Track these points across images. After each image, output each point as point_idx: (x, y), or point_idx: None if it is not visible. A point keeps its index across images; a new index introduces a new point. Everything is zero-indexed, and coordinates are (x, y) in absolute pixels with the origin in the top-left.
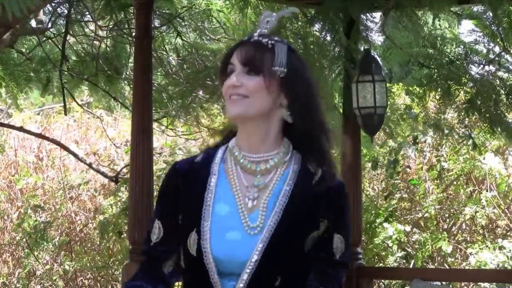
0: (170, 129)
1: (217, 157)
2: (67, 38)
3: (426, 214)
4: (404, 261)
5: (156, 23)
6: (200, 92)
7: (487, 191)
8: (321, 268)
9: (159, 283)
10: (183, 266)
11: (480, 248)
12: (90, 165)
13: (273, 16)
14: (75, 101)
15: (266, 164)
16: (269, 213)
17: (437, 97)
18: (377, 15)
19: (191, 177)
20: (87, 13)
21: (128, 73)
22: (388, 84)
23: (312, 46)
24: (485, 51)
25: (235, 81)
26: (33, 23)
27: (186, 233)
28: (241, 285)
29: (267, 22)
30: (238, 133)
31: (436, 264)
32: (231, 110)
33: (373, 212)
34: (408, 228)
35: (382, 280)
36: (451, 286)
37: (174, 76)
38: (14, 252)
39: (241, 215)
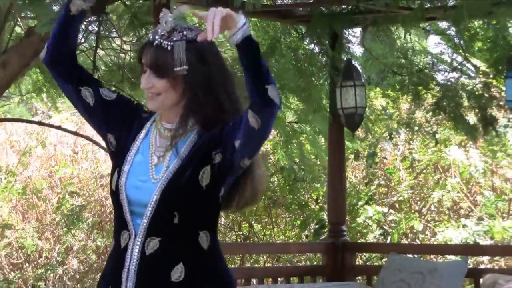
0: None
1: (151, 119)
2: (97, 51)
3: (401, 198)
4: (382, 237)
5: None
6: None
7: (451, 178)
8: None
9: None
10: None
11: (446, 227)
12: None
13: (170, 17)
14: None
15: (173, 131)
16: (171, 160)
17: (409, 99)
18: (357, 30)
19: (137, 123)
20: (114, 30)
21: None
22: (367, 89)
23: (302, 57)
24: (449, 60)
25: (144, 85)
26: None
27: (113, 168)
28: (145, 221)
29: (166, 23)
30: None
31: (409, 240)
32: (149, 105)
33: (355, 196)
34: (385, 210)
35: (364, 254)
36: (422, 258)
37: None
38: (55, 231)
39: (150, 167)
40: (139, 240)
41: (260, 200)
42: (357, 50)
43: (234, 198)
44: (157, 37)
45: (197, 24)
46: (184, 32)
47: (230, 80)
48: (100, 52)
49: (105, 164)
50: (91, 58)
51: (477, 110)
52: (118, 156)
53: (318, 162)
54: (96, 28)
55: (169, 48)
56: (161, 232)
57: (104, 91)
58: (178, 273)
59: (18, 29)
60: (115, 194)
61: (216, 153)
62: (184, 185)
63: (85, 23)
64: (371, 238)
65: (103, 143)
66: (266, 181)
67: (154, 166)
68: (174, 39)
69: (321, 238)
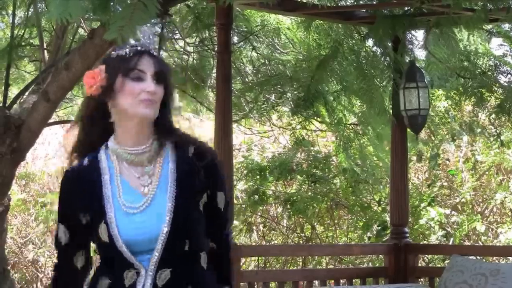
0: (247, 128)
1: (102, 156)
2: (161, 53)
3: (463, 199)
4: (445, 239)
5: (235, 39)
6: (272, 96)
7: None
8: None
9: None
10: (100, 254)
11: (509, 228)
12: None
13: (151, 32)
14: None
15: (148, 153)
16: (164, 192)
17: (472, 102)
18: (420, 32)
19: (84, 179)
20: (177, 32)
21: (211, 82)
22: (430, 91)
23: (364, 59)
24: None
25: (154, 89)
26: (131, 40)
27: (95, 227)
28: (156, 255)
29: (150, 38)
30: (119, 134)
31: (471, 241)
32: (147, 112)
33: (418, 198)
34: (447, 211)
35: (426, 255)
36: (484, 260)
37: (250, 83)
38: None
39: (141, 201)
40: (150, 274)
41: None
42: (419, 53)
43: None
44: (151, 46)
45: (259, 26)
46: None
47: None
48: (164, 53)
49: None
50: None
51: None
52: (96, 213)
53: (380, 164)
54: (159, 30)
55: (162, 58)
56: (172, 262)
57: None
58: None
59: (81, 31)
60: (110, 246)
61: (205, 190)
62: (191, 211)
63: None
64: (433, 239)
65: None
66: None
67: (145, 197)
68: (156, 52)
69: (383, 239)
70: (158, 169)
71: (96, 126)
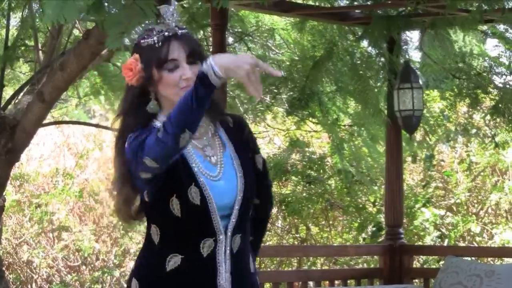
0: None
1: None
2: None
3: (458, 200)
4: (439, 240)
5: (230, 40)
6: (267, 97)
7: (509, 180)
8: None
9: None
10: (170, 228)
11: (503, 229)
12: None
13: (173, 8)
14: None
15: (202, 128)
16: (229, 160)
17: (467, 103)
18: (415, 33)
19: None
20: None
21: None
22: (425, 92)
23: (359, 60)
24: (507, 63)
25: (192, 75)
26: (126, 41)
27: (182, 186)
28: (233, 220)
29: (173, 15)
30: (166, 111)
31: (466, 242)
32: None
33: (413, 198)
34: (442, 212)
35: (421, 256)
36: (479, 261)
37: None
38: (112, 234)
39: (215, 170)
40: (228, 242)
41: None
42: (414, 54)
43: None
44: (177, 28)
45: (254, 26)
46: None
47: None
48: None
49: None
50: None
51: None
52: (181, 174)
53: (375, 165)
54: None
55: (190, 34)
56: (242, 228)
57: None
58: (252, 265)
59: (76, 32)
60: (199, 209)
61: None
62: (253, 176)
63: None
64: (428, 240)
65: None
66: None
67: (214, 166)
68: (184, 26)
69: (378, 240)
70: (217, 140)
71: (142, 111)
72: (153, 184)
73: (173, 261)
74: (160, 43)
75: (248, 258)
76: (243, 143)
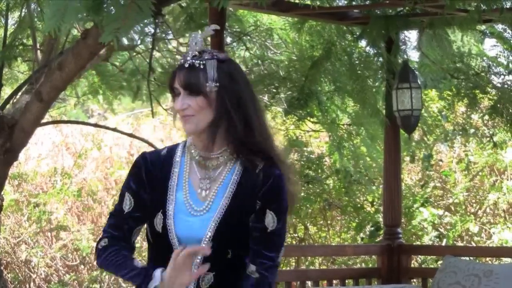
0: None
1: (178, 151)
2: (154, 53)
3: (456, 200)
4: (438, 239)
5: (228, 40)
6: (265, 97)
7: (507, 180)
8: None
9: (130, 249)
10: (149, 248)
11: (502, 229)
12: None
13: (199, 37)
14: (160, 106)
15: (217, 160)
16: (220, 199)
17: (465, 103)
18: (413, 33)
19: (157, 166)
20: (170, 32)
21: None
22: (423, 91)
23: (357, 60)
24: (505, 63)
25: (180, 106)
26: (124, 40)
27: (153, 213)
28: (199, 258)
29: (196, 44)
30: (194, 136)
31: (464, 242)
32: (185, 128)
33: (411, 198)
34: (440, 212)
35: (419, 256)
36: (477, 261)
37: None
38: None
39: (197, 202)
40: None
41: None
42: (412, 54)
43: None
44: (188, 58)
45: (252, 26)
46: (214, 52)
47: (257, 99)
48: (156, 54)
49: None
50: (147, 60)
51: None
52: (157, 200)
53: (374, 165)
54: (152, 30)
55: (201, 66)
56: (215, 267)
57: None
58: None
59: (74, 31)
60: (161, 236)
61: (258, 203)
62: (236, 224)
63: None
64: (426, 240)
65: (158, 145)
66: (298, 196)
67: (201, 200)
68: (206, 57)
69: (376, 240)
70: (222, 178)
71: None
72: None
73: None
74: (176, 69)
75: None
76: (252, 193)
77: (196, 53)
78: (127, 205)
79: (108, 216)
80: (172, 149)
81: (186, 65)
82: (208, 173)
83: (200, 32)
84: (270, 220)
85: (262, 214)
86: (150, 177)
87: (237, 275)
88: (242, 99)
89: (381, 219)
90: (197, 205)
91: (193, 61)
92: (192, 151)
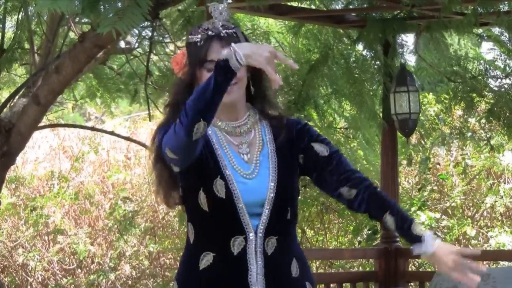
0: None
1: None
2: (151, 57)
3: (453, 203)
4: None
5: None
6: None
7: (505, 183)
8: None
9: None
10: (198, 222)
11: (499, 232)
12: None
13: (221, 7)
14: (158, 109)
15: (245, 126)
16: (265, 159)
17: (462, 107)
18: (410, 36)
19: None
20: (167, 35)
21: None
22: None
23: (355, 64)
24: (502, 66)
25: None
26: (122, 44)
27: (209, 179)
28: (264, 220)
29: (221, 14)
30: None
31: (462, 246)
32: (231, 97)
33: (408, 202)
34: (438, 215)
35: (417, 259)
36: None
37: None
38: (107, 237)
39: (244, 166)
40: (260, 241)
41: None
42: (409, 57)
43: None
44: (221, 29)
45: (250, 30)
46: (231, 21)
47: None
48: (154, 57)
49: None
50: (145, 63)
51: None
52: (211, 166)
53: (371, 168)
54: (150, 34)
55: (235, 35)
56: (277, 230)
57: None
58: (295, 268)
59: (71, 35)
60: (225, 202)
61: (298, 154)
62: (291, 180)
63: (139, 28)
64: None
65: None
66: None
67: (246, 163)
68: (232, 26)
69: (373, 244)
70: (258, 139)
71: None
72: (184, 177)
73: (206, 260)
74: (202, 41)
75: (290, 262)
76: (289, 143)
77: (225, 23)
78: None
79: (159, 132)
80: None
81: (225, 35)
82: (242, 139)
83: (217, 2)
84: (319, 148)
85: (308, 152)
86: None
87: (292, 238)
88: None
89: (378, 223)
90: (245, 168)
91: (227, 31)
92: (219, 123)
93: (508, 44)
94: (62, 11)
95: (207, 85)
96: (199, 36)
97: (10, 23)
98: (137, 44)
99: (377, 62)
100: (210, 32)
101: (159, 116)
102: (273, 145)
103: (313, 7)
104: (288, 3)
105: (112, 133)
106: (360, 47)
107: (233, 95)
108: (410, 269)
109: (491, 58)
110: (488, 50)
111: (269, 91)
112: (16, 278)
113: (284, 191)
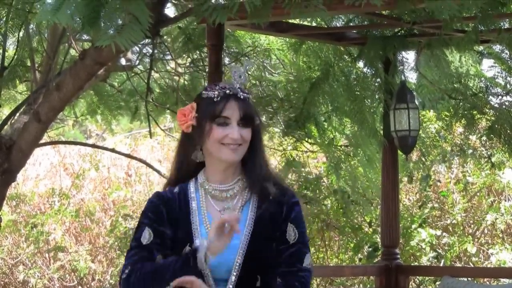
0: None
1: (191, 187)
2: (152, 74)
3: (454, 221)
4: (436, 260)
5: (226, 60)
6: (263, 117)
7: (505, 201)
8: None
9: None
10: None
11: (500, 249)
12: None
13: (242, 70)
14: (158, 126)
15: (232, 190)
16: (242, 227)
17: (463, 124)
18: (411, 53)
19: (175, 203)
20: (168, 52)
21: None
22: (421, 112)
23: (355, 81)
24: (503, 83)
25: (238, 136)
26: (122, 61)
27: (181, 248)
28: (230, 286)
29: (241, 77)
30: (208, 170)
31: (462, 263)
32: (231, 157)
33: (409, 219)
34: (438, 233)
35: (417, 277)
36: (475, 282)
37: None
38: (108, 254)
39: None
40: None
41: None
42: (410, 74)
43: None
44: (239, 90)
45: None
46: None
47: None
48: (155, 74)
49: (158, 187)
50: (145, 81)
51: None
52: (183, 236)
53: (371, 185)
54: (151, 51)
55: (249, 100)
56: None
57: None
58: None
59: (72, 52)
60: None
61: (278, 232)
62: (266, 248)
63: (139, 45)
64: (424, 261)
65: (156, 166)
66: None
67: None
68: (247, 92)
69: (374, 261)
70: (240, 206)
71: (190, 160)
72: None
73: None
74: (219, 98)
75: None
76: (271, 219)
77: (243, 86)
78: (146, 238)
79: (126, 252)
80: (183, 187)
81: (241, 97)
82: (225, 204)
83: (241, 65)
84: (290, 232)
85: (283, 231)
86: (171, 214)
87: None
88: (261, 132)
89: (379, 240)
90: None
91: (244, 94)
92: (206, 186)
93: (509, 62)
94: (62, 25)
95: (162, 274)
96: (216, 92)
97: (11, 41)
98: (138, 61)
99: (378, 80)
100: (228, 91)
101: (159, 133)
102: (254, 213)
103: (314, 24)
104: (289, 21)
105: (112, 150)
106: (360, 64)
107: (236, 156)
108: (410, 286)
109: (492, 75)
110: (489, 67)
111: (263, 165)
112: None
113: (253, 258)
